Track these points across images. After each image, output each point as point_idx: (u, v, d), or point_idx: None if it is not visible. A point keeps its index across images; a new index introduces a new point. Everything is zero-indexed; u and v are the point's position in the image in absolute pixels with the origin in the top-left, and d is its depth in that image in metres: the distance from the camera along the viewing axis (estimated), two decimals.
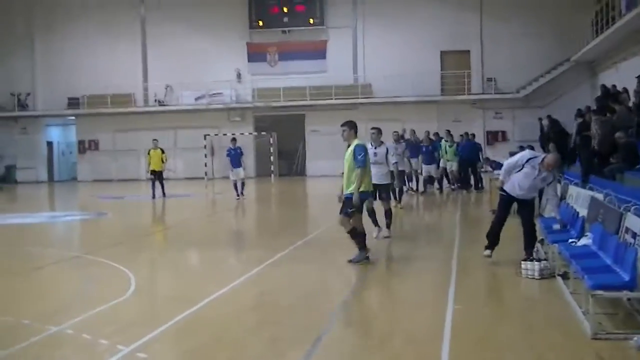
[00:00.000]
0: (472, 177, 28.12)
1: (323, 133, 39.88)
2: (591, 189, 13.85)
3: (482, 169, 28.74)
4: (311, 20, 43.07)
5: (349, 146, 12.17)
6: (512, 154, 15.95)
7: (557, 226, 11.87)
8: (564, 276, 10.18)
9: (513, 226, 12.31)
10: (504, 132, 41.45)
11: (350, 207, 11.93)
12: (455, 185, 28.04)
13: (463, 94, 40.94)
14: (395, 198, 21.52)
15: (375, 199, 14.91)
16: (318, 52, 43.25)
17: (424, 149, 27.21)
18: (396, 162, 15.50)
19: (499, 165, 22.99)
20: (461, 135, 29.49)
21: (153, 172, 28.39)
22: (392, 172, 15.89)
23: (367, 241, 12.44)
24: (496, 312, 9.24)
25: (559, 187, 13.92)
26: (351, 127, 12.32)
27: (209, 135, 40.78)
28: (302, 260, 12.99)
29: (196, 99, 43.65)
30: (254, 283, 11.39)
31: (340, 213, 12.14)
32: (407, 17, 41.40)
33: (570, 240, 10.63)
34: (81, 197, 34.91)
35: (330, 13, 43.12)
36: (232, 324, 8.70)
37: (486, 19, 41.11)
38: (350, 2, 42.83)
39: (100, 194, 33.11)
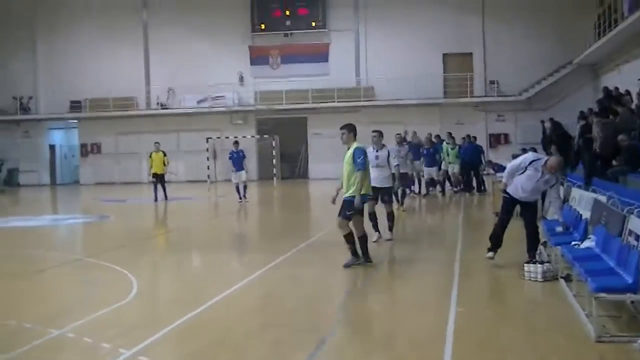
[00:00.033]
0: (474, 180, 28.05)
1: (325, 136, 39.79)
2: (594, 191, 13.81)
3: (485, 172, 28.69)
4: (313, 24, 43.04)
5: (348, 149, 12.15)
6: (515, 157, 15.93)
7: (559, 228, 11.85)
8: (567, 279, 10.15)
9: (516, 229, 12.30)
10: (506, 135, 41.40)
11: (350, 210, 11.92)
12: (457, 187, 27.99)
13: (465, 97, 40.89)
14: (397, 200, 21.52)
15: (377, 202, 14.91)
16: (320, 55, 43.22)
17: (425, 152, 27.15)
18: (398, 165, 15.45)
19: (501, 168, 22.96)
20: (463, 138, 29.43)
21: (155, 175, 28.39)
22: (393, 174, 15.85)
23: (368, 244, 12.43)
24: (499, 315, 9.21)
25: (561, 189, 13.90)
26: (350, 130, 12.30)
27: (211, 138, 40.80)
28: (304, 262, 12.98)
29: (198, 102, 43.61)
30: (256, 286, 11.38)
31: (339, 215, 12.12)
32: (409, 19, 41.37)
33: (573, 243, 10.60)
34: (83, 200, 34.90)
35: (332, 16, 43.12)
36: (235, 327, 8.68)
37: (488, 22, 41.08)
38: (352, 5, 42.81)
39: (102, 197, 33.12)
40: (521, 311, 9.34)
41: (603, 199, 12.45)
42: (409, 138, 27.91)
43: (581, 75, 38.59)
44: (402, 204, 22.12)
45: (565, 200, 15.23)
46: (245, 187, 27.16)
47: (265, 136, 42.19)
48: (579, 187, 16.08)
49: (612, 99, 23.54)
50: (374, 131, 15.38)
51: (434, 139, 28.63)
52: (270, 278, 11.94)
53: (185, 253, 15.53)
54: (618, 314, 8.30)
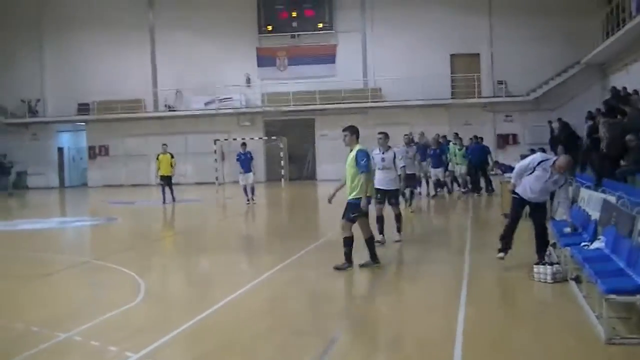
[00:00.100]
0: (482, 180, 27.95)
1: (333, 137, 39.67)
2: (603, 191, 13.73)
3: (492, 172, 28.60)
4: (320, 25, 42.99)
5: (351, 151, 12.12)
6: (523, 157, 15.85)
7: (567, 229, 11.78)
8: (577, 280, 10.09)
9: (525, 229, 12.24)
10: (514, 135, 41.27)
11: (354, 212, 11.88)
12: (465, 188, 27.91)
13: (473, 97, 40.79)
14: (405, 201, 21.48)
15: (384, 205, 14.87)
16: (327, 56, 43.17)
17: (431, 152, 27.05)
18: (404, 166, 15.40)
19: (509, 168, 22.89)
20: (470, 139, 29.31)
21: (162, 178, 28.39)
22: (400, 176, 15.80)
23: (374, 245, 12.43)
24: (508, 316, 9.16)
25: (570, 189, 13.82)
26: (353, 132, 12.26)
27: (218, 140, 40.80)
28: (312, 264, 12.93)
29: (206, 104, 43.60)
30: (264, 288, 11.34)
31: (343, 218, 12.09)
32: (417, 20, 41.28)
33: (582, 244, 10.54)
34: (91, 203, 34.95)
35: (339, 17, 43.06)
36: (242, 330, 8.65)
37: (496, 22, 40.96)
38: (359, 6, 42.76)
39: (110, 200, 33.14)
40: (531, 312, 9.28)
41: (612, 199, 12.38)
42: (416, 139, 27.81)
43: (589, 75, 38.46)
44: (411, 205, 22.07)
45: (574, 200, 15.16)
46: (252, 189, 27.15)
47: (273, 138, 42.14)
48: (588, 187, 15.99)
49: (620, 99, 23.45)
50: (379, 133, 15.33)
51: (440, 140, 28.57)
52: (278, 280, 11.91)
53: (192, 255, 15.50)
54: (628, 316, 8.23)
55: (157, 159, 28.73)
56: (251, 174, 27.09)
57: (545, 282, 10.52)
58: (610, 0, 32.38)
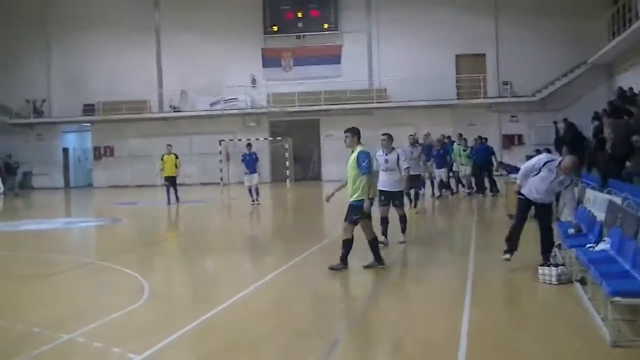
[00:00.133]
0: (486, 181, 27.88)
1: (338, 138, 39.46)
2: (609, 192, 13.67)
3: (497, 172, 28.53)
4: (326, 25, 42.96)
5: (352, 152, 12.08)
6: (528, 158, 15.80)
7: (572, 230, 11.72)
8: (582, 282, 10.04)
9: (530, 230, 12.20)
10: (520, 136, 41.19)
11: (356, 214, 11.84)
12: (470, 189, 27.85)
13: (478, 98, 40.73)
14: (410, 201, 21.43)
15: (389, 207, 14.82)
16: (333, 57, 43.11)
17: (435, 153, 26.98)
18: (408, 168, 15.35)
19: (513, 169, 22.83)
20: (475, 140, 29.23)
21: (167, 178, 28.37)
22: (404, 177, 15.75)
23: (378, 246, 12.41)
24: (513, 318, 9.12)
25: (576, 190, 13.76)
26: (354, 133, 12.25)
27: (224, 140, 40.78)
28: (317, 265, 12.88)
29: (211, 105, 43.61)
30: (269, 289, 11.32)
31: (345, 220, 12.05)
32: (422, 21, 41.22)
33: (588, 245, 10.49)
34: (96, 203, 34.97)
35: (344, 18, 43.03)
36: (247, 331, 8.62)
37: (501, 22, 40.89)
38: (365, 6, 42.73)
39: (115, 200, 33.15)
40: (535, 314, 9.24)
41: (618, 200, 12.33)
42: (421, 139, 27.74)
43: (595, 75, 38.36)
44: (415, 205, 22.02)
45: (580, 201, 15.10)
46: (257, 190, 27.12)
47: (278, 138, 42.13)
48: (594, 188, 15.94)
49: (626, 100, 23.38)
50: (383, 134, 15.29)
51: (445, 140, 28.52)
52: (282, 281, 11.88)
53: (197, 256, 15.48)
54: (634, 318, 8.18)
55: (162, 159, 28.72)
56: (256, 174, 27.08)
57: (550, 283, 10.47)
58: (616, 1, 32.29)
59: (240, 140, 38.96)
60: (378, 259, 12.20)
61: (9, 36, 45.08)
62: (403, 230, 15.32)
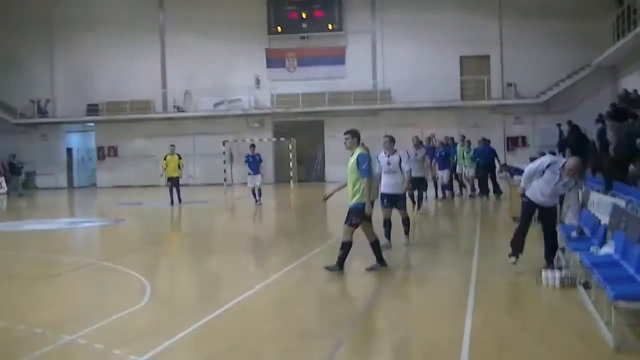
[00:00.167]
0: (490, 183, 27.80)
1: (342, 139, 39.57)
2: (613, 195, 13.61)
3: (501, 173, 28.46)
4: (330, 26, 43.00)
5: (352, 155, 12.04)
6: (532, 160, 15.74)
7: (574, 233, 11.67)
8: (586, 285, 9.97)
9: (534, 233, 12.15)
10: (524, 138, 41.18)
11: (356, 217, 11.79)
12: (473, 191, 27.80)
13: (483, 100, 40.71)
14: (413, 202, 21.40)
15: (392, 209, 14.78)
16: (337, 57, 43.12)
17: (437, 154, 26.92)
18: (410, 170, 15.29)
19: (517, 171, 22.75)
20: (479, 141, 29.12)
21: (170, 179, 28.33)
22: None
23: (379, 248, 12.37)
24: (516, 321, 9.06)
25: (580, 193, 13.70)
26: (354, 135, 12.22)
27: (227, 141, 40.79)
28: (320, 267, 12.82)
29: (215, 105, 43.68)
30: (272, 291, 11.29)
31: (345, 223, 11.99)
32: (426, 22, 41.18)
33: (591, 249, 10.43)
34: (99, 204, 34.99)
35: (349, 18, 43.04)
36: (249, 333, 8.58)
37: (506, 24, 40.88)
38: (369, 7, 42.74)
39: (118, 200, 33.15)
40: (539, 318, 9.18)
41: (622, 203, 12.26)
42: (424, 141, 27.69)
43: (600, 77, 38.33)
44: (419, 207, 21.98)
45: (584, 204, 15.04)
46: (260, 191, 27.08)
47: (282, 139, 42.14)
48: (598, 191, 15.87)
49: (631, 102, 23.32)
50: (385, 136, 15.20)
51: (447, 142, 28.48)
52: (286, 283, 11.86)
53: (200, 257, 15.46)
54: (638, 323, 8.12)
55: (165, 159, 28.68)
56: (259, 175, 27.06)
57: (554, 287, 10.42)
58: (621, 2, 32.25)
59: (244, 140, 38.96)
60: (381, 260, 12.17)
61: (14, 36, 45.19)
62: (406, 233, 15.28)
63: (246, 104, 43.42)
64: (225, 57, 43.28)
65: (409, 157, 15.62)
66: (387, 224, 14.73)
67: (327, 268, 12.06)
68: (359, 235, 12.11)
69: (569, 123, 27.77)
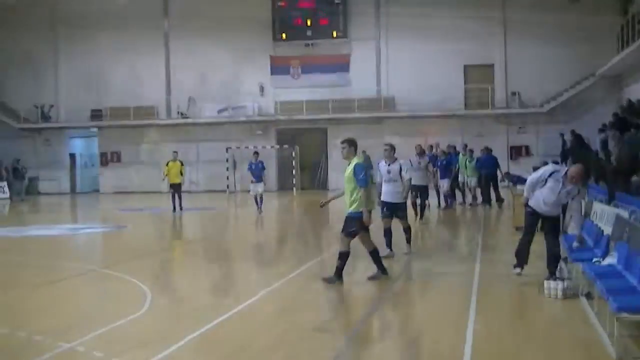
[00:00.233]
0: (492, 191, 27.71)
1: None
2: (616, 206, 13.56)
3: (503, 181, 28.38)
4: (334, 34, 42.93)
5: (349, 164, 11.98)
6: (535, 169, 15.69)
7: (576, 243, 11.61)
8: (588, 296, 9.93)
9: (536, 243, 12.09)
10: (527, 147, 41.08)
11: (353, 227, 11.73)
12: (474, 200, 27.74)
13: (486, 109, 40.65)
14: (416, 213, 21.36)
15: (392, 218, 14.74)
16: (341, 65, 43.03)
17: (439, 163, 26.85)
18: (410, 179, 15.22)
19: (519, 180, 22.71)
20: (482, 150, 29.03)
21: (172, 185, 28.28)
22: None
23: (379, 257, 12.34)
24: (518, 332, 9.02)
25: (583, 202, 13.63)
26: (351, 144, 12.16)
27: (231, 148, 40.73)
28: (322, 275, 12.80)
29: (219, 112, 43.63)
30: (272, 299, 11.25)
31: (342, 232, 11.93)
32: (430, 30, 41.07)
33: (594, 259, 10.39)
34: (102, 209, 34.99)
35: (353, 26, 43.00)
36: (249, 342, 8.55)
37: (510, 33, 40.80)
38: (374, 15, 42.72)
39: (121, 207, 33.14)
40: (541, 329, 9.13)
41: (625, 214, 12.22)
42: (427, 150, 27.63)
43: (604, 87, 38.22)
44: (422, 217, 21.93)
45: (587, 214, 14.98)
46: (261, 199, 26.99)
47: (285, 146, 42.12)
48: (601, 201, 15.82)
49: (633, 112, 23.28)
50: (385, 144, 15.15)
51: (450, 150, 28.46)
52: (287, 291, 11.82)
53: (201, 264, 15.44)
54: None
55: (167, 165, 28.64)
56: (262, 183, 26.95)
57: (556, 297, 10.37)
58: (625, 12, 32.23)
59: (247, 148, 38.94)
60: (381, 269, 12.12)
61: (18, 42, 45.18)
62: (408, 242, 15.23)
63: (250, 110, 43.38)
64: (230, 64, 43.26)
65: (411, 165, 15.58)
66: (388, 233, 14.68)
67: (325, 280, 11.94)
68: (361, 243, 12.07)
69: (572, 132, 27.74)
